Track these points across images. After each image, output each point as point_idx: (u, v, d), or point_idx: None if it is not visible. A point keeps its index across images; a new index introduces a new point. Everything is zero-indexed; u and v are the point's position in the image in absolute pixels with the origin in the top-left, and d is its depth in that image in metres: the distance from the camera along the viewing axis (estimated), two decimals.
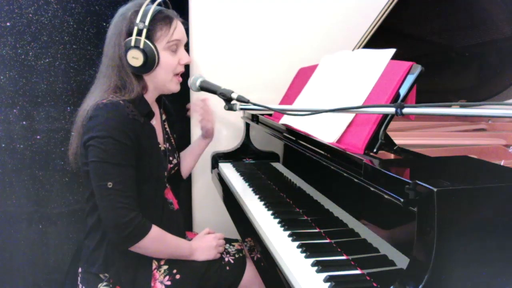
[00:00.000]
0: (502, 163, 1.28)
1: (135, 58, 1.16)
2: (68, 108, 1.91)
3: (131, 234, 1.12)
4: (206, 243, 1.34)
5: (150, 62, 1.18)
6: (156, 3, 1.19)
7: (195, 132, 2.14)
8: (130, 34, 1.17)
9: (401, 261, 0.84)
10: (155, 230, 1.18)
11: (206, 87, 1.30)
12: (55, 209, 1.96)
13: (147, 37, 1.16)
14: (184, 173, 1.60)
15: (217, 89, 1.28)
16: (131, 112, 1.15)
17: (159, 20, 1.19)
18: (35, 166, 1.91)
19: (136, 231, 1.13)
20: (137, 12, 1.17)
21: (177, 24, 1.23)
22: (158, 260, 1.27)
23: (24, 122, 1.88)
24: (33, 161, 1.91)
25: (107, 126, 1.11)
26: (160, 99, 1.38)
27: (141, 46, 1.15)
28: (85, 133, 1.15)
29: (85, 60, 1.90)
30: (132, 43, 1.16)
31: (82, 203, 1.97)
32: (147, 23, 1.15)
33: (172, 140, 1.43)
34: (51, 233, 1.98)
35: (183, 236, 1.45)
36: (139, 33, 1.16)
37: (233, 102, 1.27)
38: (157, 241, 1.19)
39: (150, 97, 1.28)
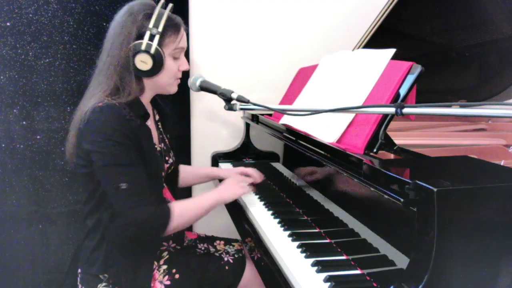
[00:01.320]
0: (502, 163, 1.28)
1: (144, 62, 1.16)
2: (68, 108, 1.91)
3: (157, 226, 1.14)
4: (228, 184, 1.38)
5: (157, 67, 1.18)
6: (168, 9, 1.20)
7: (195, 132, 2.14)
8: (140, 37, 1.16)
9: (401, 261, 0.84)
10: (175, 208, 1.17)
11: (206, 87, 1.31)
12: (55, 209, 1.96)
13: (157, 43, 1.17)
14: (181, 184, 1.59)
15: (217, 89, 1.28)
16: (128, 113, 1.15)
17: (169, 27, 1.19)
18: (35, 166, 1.91)
19: (160, 221, 1.14)
20: (148, 15, 1.17)
21: (183, 33, 1.24)
22: (158, 260, 1.27)
23: (24, 122, 1.88)
24: (33, 161, 1.91)
25: (106, 129, 1.11)
26: (154, 100, 1.38)
27: (152, 51, 1.15)
28: (83, 137, 1.15)
29: (85, 60, 1.90)
30: (143, 47, 1.15)
31: (81, 204, 1.97)
32: (160, 29, 1.16)
33: (166, 140, 1.43)
34: (51, 233, 1.98)
35: (182, 236, 1.46)
36: (151, 38, 1.16)
37: (233, 102, 1.27)
38: (182, 215, 1.19)
39: (146, 98, 1.29)
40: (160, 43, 1.17)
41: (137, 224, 1.13)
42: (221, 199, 1.32)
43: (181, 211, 1.19)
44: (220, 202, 1.31)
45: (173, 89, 1.30)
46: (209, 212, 1.29)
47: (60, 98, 1.90)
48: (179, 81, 1.30)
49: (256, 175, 1.55)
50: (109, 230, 1.20)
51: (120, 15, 1.20)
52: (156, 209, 1.15)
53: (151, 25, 1.15)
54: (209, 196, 1.31)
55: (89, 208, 1.22)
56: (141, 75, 1.20)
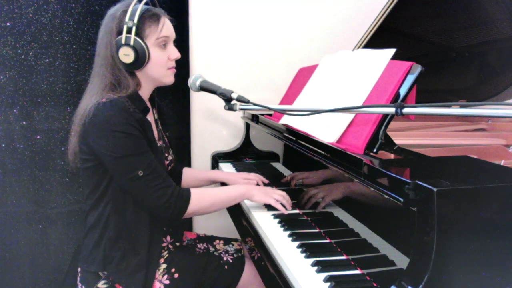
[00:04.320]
0: (502, 163, 1.28)
1: (127, 55, 1.19)
2: (68, 108, 1.91)
3: (176, 208, 1.19)
4: (263, 187, 1.39)
5: (141, 58, 1.21)
6: (143, 2, 1.23)
7: (195, 132, 2.15)
8: (120, 32, 1.20)
9: (401, 261, 0.84)
10: (194, 192, 1.23)
11: (206, 87, 1.31)
12: (55, 209, 1.96)
13: (136, 34, 1.19)
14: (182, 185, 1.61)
15: (217, 89, 1.28)
16: (131, 106, 1.18)
17: (147, 18, 1.22)
18: (35, 166, 1.91)
19: (179, 203, 1.19)
20: (125, 11, 1.20)
21: (165, 21, 1.26)
22: (158, 259, 1.27)
23: (24, 122, 1.88)
24: (33, 161, 1.91)
25: (114, 122, 1.13)
26: (153, 99, 1.39)
27: (131, 43, 1.18)
28: (89, 132, 1.16)
29: (85, 60, 1.90)
30: (123, 41, 1.19)
31: (82, 203, 1.97)
32: (135, 21, 1.19)
33: (166, 138, 1.45)
34: (51, 233, 1.98)
35: (181, 236, 1.46)
36: (129, 31, 1.19)
37: (233, 102, 1.27)
38: (200, 200, 1.24)
39: (145, 93, 1.31)
40: (140, 35, 1.21)
41: (157, 207, 1.18)
42: (247, 193, 1.33)
43: (198, 197, 1.24)
44: (246, 196, 1.34)
45: (168, 79, 1.31)
46: (232, 203, 1.33)
47: (60, 98, 1.90)
48: (174, 70, 1.31)
49: (260, 181, 1.58)
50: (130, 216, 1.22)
51: (105, 18, 1.25)
52: (175, 190, 1.20)
53: (127, 19, 1.19)
54: (234, 187, 1.36)
55: (91, 204, 1.24)
56: (130, 68, 1.23)
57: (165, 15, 1.27)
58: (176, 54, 1.28)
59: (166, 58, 1.27)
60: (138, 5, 1.21)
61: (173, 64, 1.30)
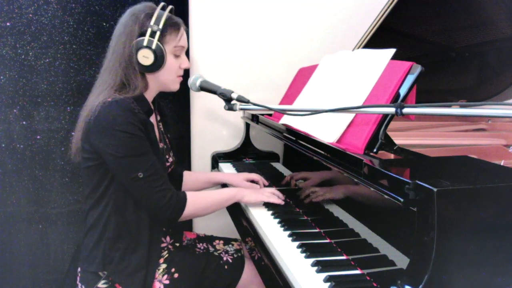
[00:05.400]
0: (502, 163, 1.28)
1: (146, 57, 1.22)
2: (68, 108, 1.91)
3: (175, 210, 1.21)
4: (253, 187, 1.49)
5: (159, 62, 1.24)
6: (168, 9, 1.27)
7: (195, 132, 2.15)
8: (142, 34, 1.22)
9: (401, 261, 0.84)
10: (189, 195, 1.26)
11: (206, 87, 1.31)
12: (55, 209, 1.96)
13: (158, 39, 1.22)
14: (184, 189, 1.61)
15: (217, 89, 1.28)
16: (136, 107, 1.19)
17: (169, 26, 1.25)
18: (35, 166, 1.91)
19: (178, 205, 1.22)
20: (149, 15, 1.23)
21: (183, 32, 1.30)
22: (157, 259, 1.27)
23: (24, 122, 1.88)
24: (33, 161, 1.91)
25: (118, 121, 1.14)
26: (154, 101, 1.40)
27: (153, 46, 1.21)
28: (94, 131, 1.17)
29: (85, 60, 1.90)
30: (145, 43, 1.21)
31: (82, 203, 1.97)
32: (161, 26, 1.22)
33: (167, 140, 1.45)
34: (51, 233, 1.98)
35: (181, 236, 1.46)
36: (152, 34, 1.21)
37: (233, 102, 1.27)
38: (195, 202, 1.27)
39: (150, 95, 1.32)
40: (161, 40, 1.24)
41: (158, 208, 1.19)
42: (238, 195, 1.37)
43: (193, 199, 1.26)
44: (237, 198, 1.37)
45: (175, 86, 1.34)
46: (225, 205, 1.37)
47: (60, 98, 1.90)
48: (181, 78, 1.34)
49: (261, 181, 1.59)
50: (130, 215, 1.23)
51: (124, 17, 1.27)
52: (174, 192, 1.22)
53: (152, 22, 1.22)
54: (226, 190, 1.40)
55: (91, 204, 1.24)
56: (144, 70, 1.25)
57: (183, 25, 1.30)
58: (187, 63, 1.33)
59: (178, 66, 1.30)
60: (163, 11, 1.25)
61: (182, 72, 1.33)
